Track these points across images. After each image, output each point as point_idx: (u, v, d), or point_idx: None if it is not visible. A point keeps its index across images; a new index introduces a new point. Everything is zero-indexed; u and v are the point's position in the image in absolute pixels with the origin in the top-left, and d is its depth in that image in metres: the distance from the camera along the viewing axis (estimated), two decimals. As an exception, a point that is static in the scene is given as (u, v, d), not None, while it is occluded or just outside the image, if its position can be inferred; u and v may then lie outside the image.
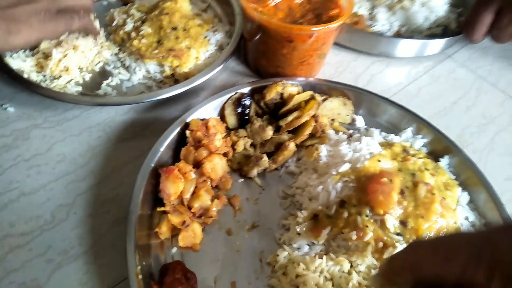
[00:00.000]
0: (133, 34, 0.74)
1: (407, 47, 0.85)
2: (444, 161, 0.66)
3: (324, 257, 0.53)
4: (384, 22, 0.91)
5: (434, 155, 0.67)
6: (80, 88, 0.72)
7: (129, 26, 0.76)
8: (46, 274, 0.51)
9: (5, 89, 0.70)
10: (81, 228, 0.56)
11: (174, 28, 0.74)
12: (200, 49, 0.75)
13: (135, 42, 0.72)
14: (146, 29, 0.73)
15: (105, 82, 0.73)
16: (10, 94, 0.70)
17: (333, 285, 0.52)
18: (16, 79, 0.67)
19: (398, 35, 0.91)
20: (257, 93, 0.71)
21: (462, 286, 0.33)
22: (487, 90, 0.85)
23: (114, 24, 0.79)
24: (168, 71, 0.73)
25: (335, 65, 0.85)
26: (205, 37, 0.77)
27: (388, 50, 0.86)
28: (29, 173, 0.61)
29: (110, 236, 0.56)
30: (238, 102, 0.68)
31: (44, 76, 0.70)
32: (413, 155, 0.64)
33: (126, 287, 0.48)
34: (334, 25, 0.67)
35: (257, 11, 0.70)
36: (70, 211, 0.57)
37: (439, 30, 0.93)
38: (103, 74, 0.75)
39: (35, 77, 0.70)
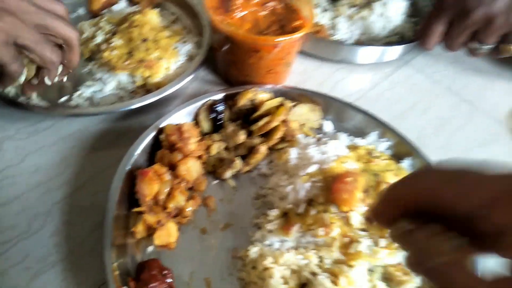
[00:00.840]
0: (104, 46, 0.76)
1: (367, 54, 0.91)
2: (406, 163, 0.71)
3: (293, 251, 0.57)
4: (345, 31, 0.97)
5: (397, 157, 0.72)
6: (44, 102, 0.72)
7: (99, 38, 0.77)
8: (25, 282, 0.52)
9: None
10: (58, 236, 0.57)
11: (144, 40, 0.76)
12: (170, 59, 0.77)
13: (106, 54, 0.74)
14: (117, 41, 0.75)
15: (76, 94, 0.74)
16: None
17: (299, 277, 0.55)
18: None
19: (358, 43, 0.97)
20: (229, 100, 0.74)
21: (470, 223, 0.30)
22: (442, 93, 0.91)
23: (84, 36, 0.81)
24: (139, 81, 0.75)
25: (301, 73, 0.89)
26: (175, 48, 0.80)
27: (350, 57, 0.91)
28: (2, 185, 0.61)
29: (87, 243, 0.57)
30: (211, 108, 0.71)
31: (15, 88, 0.71)
32: (377, 157, 0.68)
33: (106, 290, 0.49)
34: (297, 35, 0.71)
35: (224, 23, 0.74)
36: (46, 219, 0.58)
37: (396, 38, 0.99)
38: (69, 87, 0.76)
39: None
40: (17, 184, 0.61)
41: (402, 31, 1.00)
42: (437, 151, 0.79)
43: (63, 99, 0.73)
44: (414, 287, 0.57)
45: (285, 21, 0.79)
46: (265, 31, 0.77)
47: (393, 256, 0.58)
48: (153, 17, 0.79)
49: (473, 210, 0.30)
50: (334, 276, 0.56)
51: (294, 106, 0.75)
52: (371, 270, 0.59)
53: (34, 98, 0.71)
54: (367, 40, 0.97)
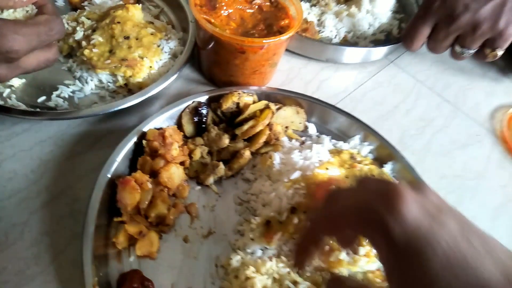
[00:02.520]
0: (84, 43, 0.73)
1: (353, 54, 0.91)
2: (388, 167, 0.71)
3: (274, 259, 0.57)
4: (332, 28, 0.96)
5: (379, 161, 0.73)
6: (21, 103, 0.69)
7: (79, 35, 0.74)
8: (3, 296, 0.51)
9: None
10: (37, 247, 0.56)
11: (127, 37, 0.74)
12: (153, 58, 0.75)
13: (86, 52, 0.72)
14: (98, 38, 0.72)
15: (55, 93, 0.71)
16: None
17: (280, 286, 0.56)
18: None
19: (345, 41, 0.96)
20: (214, 102, 0.73)
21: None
22: (425, 94, 0.92)
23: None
24: (121, 81, 0.73)
25: (286, 72, 0.88)
26: (158, 45, 0.77)
27: (336, 56, 0.91)
28: (-22, 192, 0.59)
29: (68, 253, 0.56)
30: (195, 111, 0.70)
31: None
32: (360, 162, 0.69)
33: (87, 303, 0.49)
34: (284, 37, 0.70)
35: (210, 22, 0.72)
36: (24, 230, 0.57)
37: (382, 36, 0.99)
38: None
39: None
40: (-6, 191, 0.60)
41: (388, 29, 1.00)
42: (419, 153, 0.80)
43: (41, 99, 0.71)
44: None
45: (272, 19, 0.78)
46: (252, 30, 0.76)
47: (372, 263, 0.59)
48: (136, 12, 0.76)
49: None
50: (315, 284, 0.57)
51: (279, 109, 0.75)
52: (351, 277, 0.61)
53: (12, 98, 0.69)
54: (353, 38, 0.97)
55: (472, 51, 0.79)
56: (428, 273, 0.34)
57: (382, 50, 0.91)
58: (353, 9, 0.97)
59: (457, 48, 0.80)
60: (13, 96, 0.70)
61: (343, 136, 0.77)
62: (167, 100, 0.76)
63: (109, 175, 0.59)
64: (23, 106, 0.68)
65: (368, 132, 0.75)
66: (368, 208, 0.40)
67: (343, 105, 0.84)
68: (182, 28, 0.87)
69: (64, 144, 0.67)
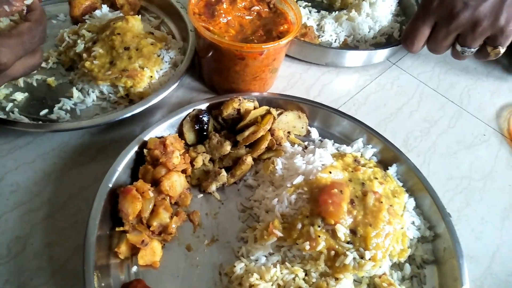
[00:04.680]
0: (85, 56, 0.74)
1: (354, 57, 0.90)
2: (392, 169, 0.70)
3: (278, 265, 0.56)
4: (331, 32, 0.96)
5: (384, 163, 0.72)
6: (23, 117, 0.70)
7: (79, 47, 0.75)
8: (6, 309, 0.51)
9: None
10: (40, 259, 0.56)
11: (127, 48, 0.74)
12: (154, 67, 0.76)
13: (87, 64, 0.72)
14: (98, 50, 0.73)
15: (57, 106, 0.72)
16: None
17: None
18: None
19: (345, 45, 0.96)
20: (214, 109, 0.73)
21: None
22: (429, 95, 0.91)
23: (63, 45, 0.79)
24: (122, 92, 0.74)
25: (288, 77, 0.88)
26: (159, 55, 0.78)
27: (337, 60, 0.90)
28: (-19, 206, 0.60)
29: (70, 264, 0.56)
30: (196, 118, 0.70)
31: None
32: (363, 165, 0.68)
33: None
34: (283, 42, 0.70)
35: (209, 29, 0.72)
36: (27, 242, 0.57)
37: (383, 39, 0.98)
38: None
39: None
40: (-3, 204, 0.60)
41: (389, 32, 1.00)
42: (424, 154, 0.79)
43: (44, 112, 0.71)
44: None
45: (271, 25, 0.78)
46: (251, 36, 0.76)
47: (378, 267, 0.58)
48: (136, 23, 0.77)
49: None
50: (320, 290, 0.56)
51: (280, 114, 0.74)
52: (357, 281, 0.59)
53: (15, 112, 0.69)
54: (353, 41, 0.96)
55: (473, 50, 0.78)
56: None
57: (384, 53, 0.91)
58: (353, 13, 0.97)
59: (458, 47, 0.79)
60: (16, 110, 0.70)
61: (346, 139, 0.76)
62: (169, 109, 0.76)
63: (110, 185, 0.58)
64: (25, 120, 0.69)
65: (372, 134, 0.74)
66: None
67: (346, 108, 0.83)
68: (182, 37, 0.88)
69: (66, 155, 0.67)
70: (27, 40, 0.57)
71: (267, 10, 0.80)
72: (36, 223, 0.59)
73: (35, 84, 0.75)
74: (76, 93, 0.73)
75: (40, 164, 0.66)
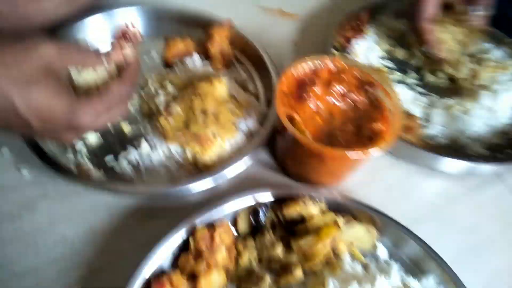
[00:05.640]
0: (162, 110, 0.71)
1: (453, 164, 0.77)
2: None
3: None
4: (440, 125, 0.83)
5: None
6: (87, 161, 0.70)
7: (159, 100, 0.73)
8: None
9: (25, 150, 0.67)
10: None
11: (204, 112, 0.70)
12: (226, 137, 0.71)
13: (162, 121, 0.69)
14: (176, 109, 0.70)
15: (123, 154, 0.71)
16: (28, 155, 0.67)
17: None
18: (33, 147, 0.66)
19: (453, 141, 0.82)
20: (276, 202, 0.66)
21: None
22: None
23: (145, 91, 0.78)
24: (190, 157, 0.70)
25: (368, 169, 0.77)
26: (234, 123, 0.73)
27: (431, 163, 0.78)
28: (25, 251, 0.60)
29: None
30: (253, 210, 0.65)
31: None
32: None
33: None
34: (371, 152, 0.61)
35: (292, 117, 0.65)
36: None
37: (501, 140, 0.83)
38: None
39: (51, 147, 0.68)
40: (39, 254, 0.60)
41: (509, 131, 0.84)
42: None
43: (109, 157, 0.71)
44: None
45: (364, 120, 0.68)
46: (338, 130, 0.68)
47: None
48: (220, 88, 0.72)
49: None
50: None
51: (347, 223, 0.66)
52: None
53: (82, 153, 0.69)
54: (463, 138, 0.82)
55: None
56: None
57: (491, 167, 0.77)
58: (468, 104, 0.83)
59: None
60: (84, 150, 0.70)
61: (415, 269, 0.65)
62: (234, 182, 0.71)
63: (146, 276, 0.55)
64: (89, 165, 0.68)
65: (446, 273, 0.62)
66: None
67: (428, 224, 0.71)
68: (267, 98, 0.81)
69: (116, 214, 0.66)
70: (114, 102, 0.56)
71: (364, 99, 0.70)
72: (68, 282, 0.58)
73: (109, 125, 0.74)
74: (144, 145, 0.71)
75: (89, 217, 0.64)
